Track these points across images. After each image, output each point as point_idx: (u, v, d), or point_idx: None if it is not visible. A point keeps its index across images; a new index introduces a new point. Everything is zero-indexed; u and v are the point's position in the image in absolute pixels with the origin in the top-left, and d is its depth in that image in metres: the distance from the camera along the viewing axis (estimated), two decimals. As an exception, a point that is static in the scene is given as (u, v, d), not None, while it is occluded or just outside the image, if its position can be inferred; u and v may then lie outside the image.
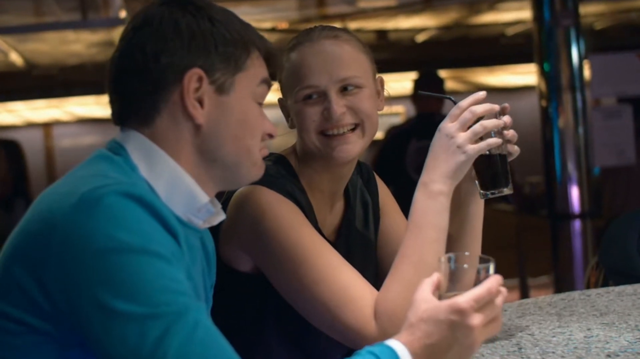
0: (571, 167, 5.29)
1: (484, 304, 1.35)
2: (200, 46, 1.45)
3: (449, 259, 1.40)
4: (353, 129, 1.83)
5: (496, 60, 9.30)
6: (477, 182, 1.78)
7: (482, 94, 1.73)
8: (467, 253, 1.44)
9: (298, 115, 1.84)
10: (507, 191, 1.76)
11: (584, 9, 5.70)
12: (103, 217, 1.28)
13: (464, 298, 1.35)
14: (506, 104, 1.75)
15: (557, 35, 5.30)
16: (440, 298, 1.39)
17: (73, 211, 1.29)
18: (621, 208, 5.17)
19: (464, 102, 1.71)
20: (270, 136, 1.54)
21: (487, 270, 1.38)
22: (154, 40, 1.45)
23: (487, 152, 1.71)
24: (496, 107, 1.71)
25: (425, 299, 1.39)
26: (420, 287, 1.41)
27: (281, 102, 1.92)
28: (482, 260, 1.40)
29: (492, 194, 1.76)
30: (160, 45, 1.44)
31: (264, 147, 1.54)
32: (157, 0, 1.50)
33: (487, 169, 1.75)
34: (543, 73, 5.38)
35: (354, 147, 1.83)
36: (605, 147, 5.52)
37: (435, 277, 1.41)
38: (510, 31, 8.13)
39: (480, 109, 1.70)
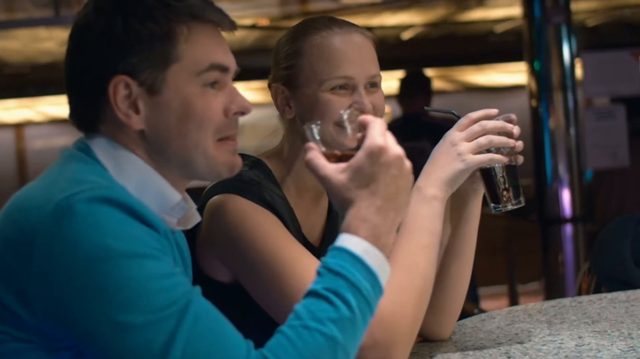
0: (562, 170, 5.25)
1: (387, 133, 1.34)
2: (116, 50, 1.39)
3: (318, 127, 1.38)
4: None
5: (485, 59, 9.41)
6: (486, 196, 1.77)
7: (494, 111, 1.74)
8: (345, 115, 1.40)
9: (321, 104, 1.80)
10: (518, 203, 1.75)
11: (576, 6, 5.76)
12: (82, 226, 1.25)
13: (373, 135, 1.31)
14: (514, 116, 1.75)
15: (547, 33, 5.27)
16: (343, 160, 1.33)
17: (52, 222, 1.26)
18: (617, 212, 5.11)
19: (475, 114, 1.73)
20: (242, 113, 1.44)
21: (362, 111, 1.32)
22: (72, 52, 1.43)
23: (496, 165, 1.72)
24: (509, 125, 1.72)
25: (335, 168, 1.34)
26: (315, 165, 1.35)
27: (278, 89, 1.84)
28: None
29: (505, 207, 1.74)
30: (79, 57, 1.42)
31: (232, 133, 1.44)
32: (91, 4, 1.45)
33: (497, 182, 1.74)
34: (533, 72, 5.34)
35: None
36: (597, 149, 5.51)
37: (313, 147, 1.35)
38: (500, 28, 8.22)
39: (491, 124, 1.71)
